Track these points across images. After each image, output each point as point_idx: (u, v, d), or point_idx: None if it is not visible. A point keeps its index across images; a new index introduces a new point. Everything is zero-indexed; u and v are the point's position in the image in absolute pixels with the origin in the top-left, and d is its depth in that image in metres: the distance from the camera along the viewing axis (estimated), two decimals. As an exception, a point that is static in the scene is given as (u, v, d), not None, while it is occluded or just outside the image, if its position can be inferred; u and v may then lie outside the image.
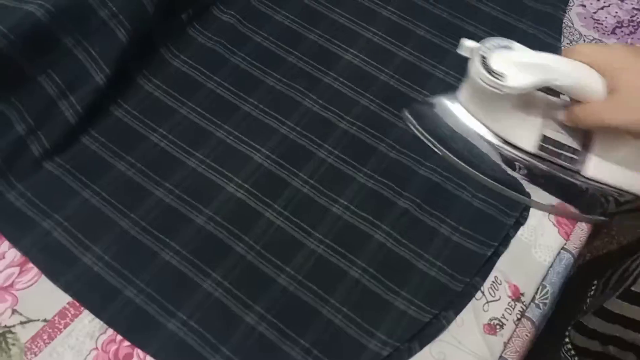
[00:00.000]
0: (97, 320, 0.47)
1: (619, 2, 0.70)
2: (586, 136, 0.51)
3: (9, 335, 0.45)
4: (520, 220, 0.54)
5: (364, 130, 0.57)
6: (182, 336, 0.46)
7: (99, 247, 0.50)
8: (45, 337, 0.46)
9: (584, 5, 0.69)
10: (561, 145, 0.51)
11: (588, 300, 0.78)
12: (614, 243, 1.06)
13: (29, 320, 0.46)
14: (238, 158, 0.55)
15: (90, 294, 0.48)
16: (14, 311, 0.46)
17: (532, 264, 0.52)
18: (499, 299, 0.50)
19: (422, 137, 0.55)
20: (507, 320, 0.49)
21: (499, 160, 0.52)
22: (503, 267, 0.52)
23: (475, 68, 0.47)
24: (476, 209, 0.54)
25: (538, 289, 0.51)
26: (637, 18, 0.68)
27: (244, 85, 0.60)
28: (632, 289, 0.62)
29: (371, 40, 0.64)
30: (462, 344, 0.48)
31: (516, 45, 0.48)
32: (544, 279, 0.52)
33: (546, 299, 0.51)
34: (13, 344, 0.45)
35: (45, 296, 0.47)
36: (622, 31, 0.67)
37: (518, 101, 0.50)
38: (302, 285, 0.49)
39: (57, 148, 0.54)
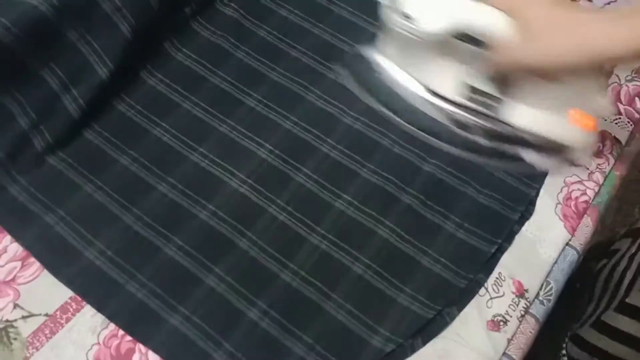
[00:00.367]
0: (99, 315, 0.47)
1: (626, -3, 0.69)
2: (507, 83, 0.51)
3: (10, 330, 0.45)
4: (526, 215, 0.54)
5: (368, 125, 0.57)
6: (185, 331, 0.46)
7: (102, 241, 0.49)
8: (47, 331, 0.46)
9: (590, 0, 0.69)
10: (483, 93, 0.52)
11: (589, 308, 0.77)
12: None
13: (31, 315, 0.46)
14: (241, 153, 0.55)
15: (93, 288, 0.48)
16: (15, 305, 0.46)
17: (536, 260, 0.52)
18: (502, 295, 0.50)
19: (354, 91, 0.58)
20: (511, 316, 0.49)
21: (427, 111, 0.54)
22: (507, 263, 0.51)
23: (388, 13, 0.48)
24: (480, 205, 0.53)
25: (542, 285, 0.51)
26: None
27: (247, 80, 0.59)
28: (627, 301, 0.62)
29: (376, 34, 0.64)
30: (465, 340, 0.48)
31: None
32: (548, 275, 0.52)
33: (550, 295, 0.51)
34: (15, 339, 0.45)
35: (47, 290, 0.47)
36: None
37: (439, 50, 0.50)
38: (305, 280, 0.49)
39: (60, 142, 0.53)
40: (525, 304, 0.50)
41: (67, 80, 0.53)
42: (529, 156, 0.54)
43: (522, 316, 0.49)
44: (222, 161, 0.54)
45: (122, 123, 0.56)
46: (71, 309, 0.47)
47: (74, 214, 0.50)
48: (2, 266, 0.48)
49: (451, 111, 0.53)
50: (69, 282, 0.48)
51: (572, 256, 0.53)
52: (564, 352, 0.76)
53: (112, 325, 0.46)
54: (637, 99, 0.62)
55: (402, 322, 0.47)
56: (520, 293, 0.50)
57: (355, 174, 0.54)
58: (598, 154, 0.58)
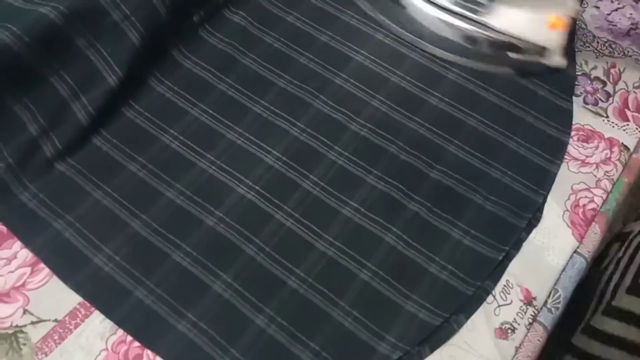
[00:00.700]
0: (107, 320, 0.47)
1: (634, 3, 0.69)
2: None
3: (20, 335, 0.46)
4: (533, 222, 0.53)
5: (375, 132, 0.57)
6: (192, 337, 0.46)
7: (110, 247, 0.50)
8: (56, 337, 0.46)
9: (597, 7, 0.69)
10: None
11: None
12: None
13: (40, 320, 0.46)
14: (249, 160, 0.55)
15: (101, 294, 0.48)
16: (25, 311, 0.47)
17: (544, 268, 0.52)
18: (510, 303, 0.50)
19: (378, 19, 0.65)
20: (519, 324, 0.49)
21: (442, 32, 0.62)
22: (515, 270, 0.51)
23: None
24: (487, 212, 0.53)
25: (550, 293, 0.51)
26: (652, 20, 0.68)
27: (255, 87, 0.60)
28: (613, 304, 0.61)
29: (382, 42, 0.64)
30: (473, 348, 0.47)
31: None
32: (556, 283, 0.51)
33: (558, 303, 0.51)
34: (24, 344, 0.45)
35: (56, 296, 0.47)
36: (636, 33, 0.67)
37: None
38: (312, 287, 0.49)
39: (69, 149, 0.54)
40: (533, 311, 0.49)
41: (77, 88, 0.54)
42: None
43: (530, 324, 0.49)
44: (230, 168, 0.55)
45: (130, 130, 0.56)
46: (80, 315, 0.47)
47: (83, 220, 0.51)
48: (12, 272, 0.48)
49: (444, 20, 0.62)
50: (78, 288, 0.48)
51: (580, 264, 0.53)
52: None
53: (120, 331, 0.47)
54: (645, 105, 0.61)
55: (409, 330, 0.47)
56: (528, 301, 0.50)
57: (362, 181, 0.54)
58: (606, 160, 0.57)
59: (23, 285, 0.48)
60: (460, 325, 0.48)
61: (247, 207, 0.53)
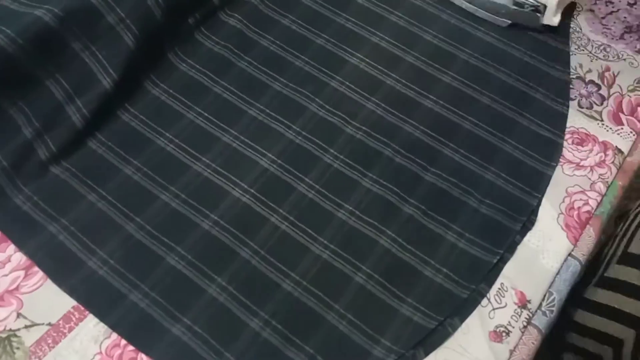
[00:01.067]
0: (101, 324, 0.47)
1: (628, 7, 0.69)
2: None
3: (13, 339, 0.46)
4: (528, 225, 0.53)
5: (370, 135, 0.57)
6: (187, 341, 0.46)
7: (105, 251, 0.50)
8: (49, 341, 0.46)
9: (592, 10, 0.69)
10: None
11: None
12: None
13: (34, 324, 0.46)
14: (244, 163, 0.55)
15: (95, 298, 0.48)
16: (18, 315, 0.47)
17: (538, 271, 0.52)
18: (505, 306, 0.50)
19: None
20: (514, 327, 0.49)
21: None
22: (510, 273, 0.51)
23: None
24: (482, 215, 0.53)
25: (545, 296, 0.51)
26: (646, 23, 0.68)
27: (250, 90, 0.60)
28: (605, 274, 0.61)
29: (378, 44, 0.64)
30: (467, 351, 0.47)
31: None
32: (550, 286, 0.51)
33: (553, 306, 0.51)
34: (17, 348, 0.45)
35: (50, 300, 0.47)
36: (630, 36, 0.67)
37: None
38: (307, 290, 0.49)
39: (64, 152, 0.54)
40: (528, 314, 0.49)
41: (72, 91, 0.54)
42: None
43: (525, 327, 0.49)
44: (225, 171, 0.55)
45: (125, 133, 0.56)
46: (74, 319, 0.47)
47: (78, 224, 0.51)
48: (6, 275, 0.48)
49: None
50: (72, 292, 0.48)
51: (574, 267, 0.53)
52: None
53: (114, 335, 0.46)
54: (639, 109, 0.62)
55: (403, 333, 0.47)
56: (523, 304, 0.50)
57: (357, 184, 0.54)
58: (600, 163, 0.58)
59: (17, 288, 0.48)
60: (454, 329, 0.48)
61: (242, 210, 0.53)
